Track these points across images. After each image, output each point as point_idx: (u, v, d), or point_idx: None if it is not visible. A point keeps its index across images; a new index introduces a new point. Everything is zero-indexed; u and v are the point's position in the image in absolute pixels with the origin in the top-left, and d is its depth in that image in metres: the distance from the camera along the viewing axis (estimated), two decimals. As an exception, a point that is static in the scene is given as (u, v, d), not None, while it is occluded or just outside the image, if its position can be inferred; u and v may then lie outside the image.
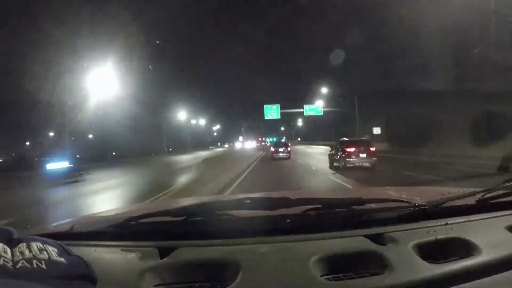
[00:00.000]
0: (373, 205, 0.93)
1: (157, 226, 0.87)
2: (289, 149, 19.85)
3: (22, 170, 14.76)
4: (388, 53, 21.46)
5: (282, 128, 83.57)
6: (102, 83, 18.93)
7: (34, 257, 0.45)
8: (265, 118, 29.96)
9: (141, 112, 29.92)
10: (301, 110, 30.51)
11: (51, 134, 34.84)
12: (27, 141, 36.60)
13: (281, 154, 19.27)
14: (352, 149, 10.66)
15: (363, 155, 10.53)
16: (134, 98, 24.74)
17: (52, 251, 0.48)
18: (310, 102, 32.73)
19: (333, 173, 9.98)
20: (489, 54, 13.36)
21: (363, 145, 10.94)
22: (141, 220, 0.85)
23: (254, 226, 0.85)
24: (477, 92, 13.40)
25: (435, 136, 16.37)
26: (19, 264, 0.43)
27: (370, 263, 0.67)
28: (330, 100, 32.83)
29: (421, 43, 17.76)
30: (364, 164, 10.55)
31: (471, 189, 0.98)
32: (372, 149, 10.76)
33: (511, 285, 0.60)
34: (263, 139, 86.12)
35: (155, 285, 0.64)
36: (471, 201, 0.91)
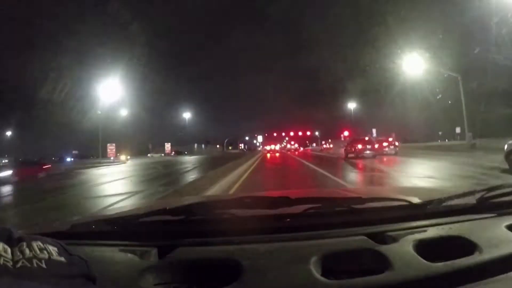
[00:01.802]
0: (373, 204, 0.93)
1: (157, 225, 0.86)
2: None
3: None
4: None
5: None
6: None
7: (34, 256, 0.45)
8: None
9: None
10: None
11: None
12: None
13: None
14: (360, 145, 17.74)
15: (368, 147, 17.53)
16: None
17: (52, 250, 0.48)
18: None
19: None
20: None
21: (368, 141, 18.19)
22: (141, 219, 0.84)
23: (254, 225, 0.84)
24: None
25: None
26: (19, 264, 0.43)
27: (371, 262, 0.67)
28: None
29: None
30: (367, 154, 17.16)
31: (471, 189, 0.99)
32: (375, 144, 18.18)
33: (510, 285, 0.60)
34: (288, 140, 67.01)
35: (155, 284, 0.63)
36: (471, 200, 0.92)
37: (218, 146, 75.09)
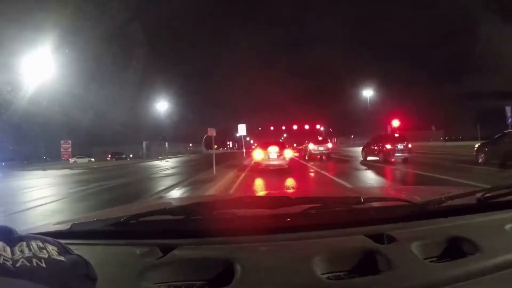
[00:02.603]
0: (373, 204, 0.93)
1: (157, 225, 0.86)
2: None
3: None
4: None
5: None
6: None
7: (34, 255, 0.44)
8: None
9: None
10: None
11: None
12: None
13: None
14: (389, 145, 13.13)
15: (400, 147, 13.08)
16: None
17: (52, 249, 0.47)
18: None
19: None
20: None
21: (398, 139, 13.71)
22: (141, 219, 0.83)
23: (254, 225, 0.84)
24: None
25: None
26: (19, 263, 0.43)
27: (371, 262, 0.66)
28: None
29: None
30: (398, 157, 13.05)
31: (471, 189, 0.99)
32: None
33: (510, 285, 0.60)
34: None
35: (155, 284, 0.63)
36: (471, 200, 0.92)
37: (191, 144, 53.29)
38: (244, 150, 18.91)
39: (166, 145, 46.70)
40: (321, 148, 17.19)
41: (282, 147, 11.77)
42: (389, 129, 25.74)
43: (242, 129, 19.09)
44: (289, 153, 11.80)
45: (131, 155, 41.98)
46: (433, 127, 30.14)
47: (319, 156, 16.87)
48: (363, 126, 34.37)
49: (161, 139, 39.30)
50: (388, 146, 13.21)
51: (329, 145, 17.88)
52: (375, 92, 32.05)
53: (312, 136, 20.15)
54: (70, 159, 38.75)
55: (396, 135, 15.07)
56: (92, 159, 38.66)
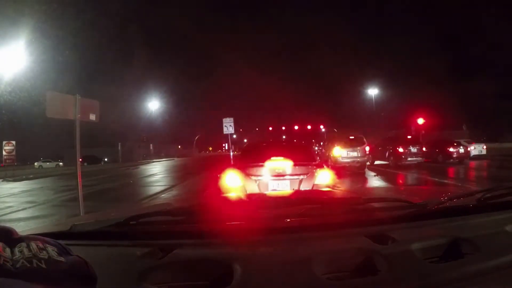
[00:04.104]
0: (373, 205, 0.93)
1: (157, 226, 0.86)
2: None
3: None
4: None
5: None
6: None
7: (34, 256, 0.44)
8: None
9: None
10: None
11: None
12: None
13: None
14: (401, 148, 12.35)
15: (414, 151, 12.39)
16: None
17: (52, 250, 0.47)
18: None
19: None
20: None
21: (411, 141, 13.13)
22: (141, 220, 0.84)
23: (254, 226, 0.84)
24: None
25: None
26: (19, 264, 0.42)
27: (371, 262, 0.66)
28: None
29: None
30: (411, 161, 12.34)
31: (471, 189, 1.01)
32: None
33: (510, 285, 0.59)
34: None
35: (155, 285, 0.63)
36: (471, 201, 0.91)
37: (179, 146, 48.27)
38: (231, 154, 13.44)
39: (151, 147, 41.55)
40: (354, 154, 11.18)
41: (302, 157, 3.83)
42: (413, 128, 22.26)
43: (228, 126, 13.24)
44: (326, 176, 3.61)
45: (105, 159, 36.91)
46: (464, 127, 25.14)
47: (348, 165, 11.03)
48: (373, 126, 29.27)
49: (143, 139, 34.35)
50: (400, 149, 12.07)
51: (367, 148, 11.74)
52: (387, 90, 27.77)
53: (336, 136, 13.26)
54: (35, 164, 33.48)
55: (409, 136, 13.96)
56: (61, 164, 33.57)
